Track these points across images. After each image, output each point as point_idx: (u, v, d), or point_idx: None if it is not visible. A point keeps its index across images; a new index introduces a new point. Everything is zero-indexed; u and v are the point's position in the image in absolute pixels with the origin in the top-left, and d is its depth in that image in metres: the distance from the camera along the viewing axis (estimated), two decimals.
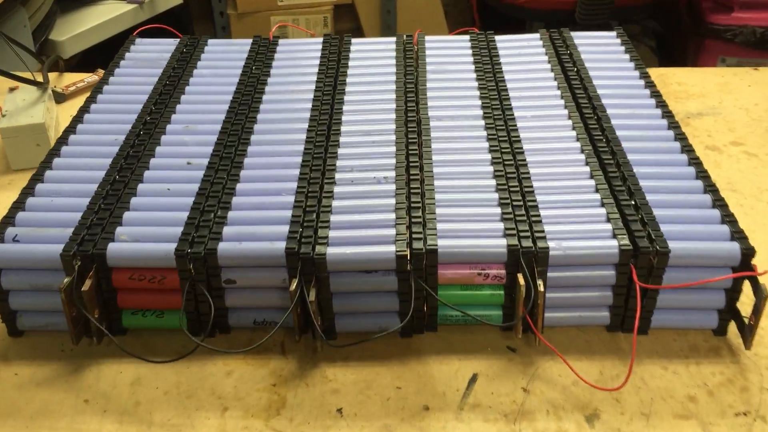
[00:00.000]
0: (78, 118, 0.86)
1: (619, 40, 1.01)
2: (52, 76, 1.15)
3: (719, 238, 0.67)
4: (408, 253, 0.66)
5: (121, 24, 2.02)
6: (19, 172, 0.95)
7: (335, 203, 0.72)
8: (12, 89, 0.98)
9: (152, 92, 0.91)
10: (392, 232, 0.68)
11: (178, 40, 1.03)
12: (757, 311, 0.64)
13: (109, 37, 1.99)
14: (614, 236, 0.67)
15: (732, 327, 0.70)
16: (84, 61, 2.01)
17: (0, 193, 0.91)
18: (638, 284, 0.64)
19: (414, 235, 0.67)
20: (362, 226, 0.69)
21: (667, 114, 0.85)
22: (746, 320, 0.66)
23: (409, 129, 0.83)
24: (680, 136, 0.81)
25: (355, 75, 0.94)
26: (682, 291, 0.68)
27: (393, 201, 0.72)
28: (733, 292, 0.67)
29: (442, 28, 2.38)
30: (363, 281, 0.67)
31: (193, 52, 1.00)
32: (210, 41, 1.03)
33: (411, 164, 0.77)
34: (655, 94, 0.88)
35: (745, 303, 0.68)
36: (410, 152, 0.79)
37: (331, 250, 0.66)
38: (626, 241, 0.66)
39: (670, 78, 1.14)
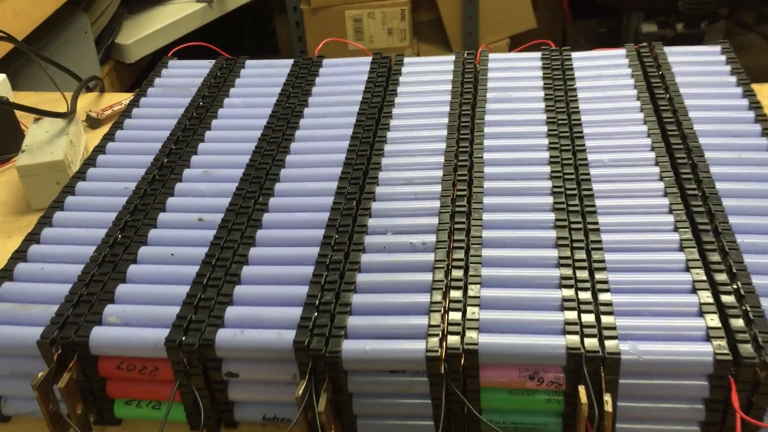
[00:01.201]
0: (93, 157, 0.78)
1: (724, 57, 0.83)
2: (89, 98, 1.08)
3: None
4: (442, 352, 0.53)
5: (190, 24, 1.96)
6: (39, 211, 0.87)
7: (360, 278, 0.60)
8: (37, 119, 0.91)
9: (176, 126, 0.81)
10: (424, 321, 0.55)
11: (214, 62, 0.93)
12: None
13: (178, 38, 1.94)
14: (708, 338, 0.52)
15: None
16: (154, 63, 1.96)
17: (17, 236, 0.83)
18: (739, 412, 0.49)
19: (451, 326, 0.54)
20: (390, 311, 0.57)
21: None
22: None
23: (458, 178, 0.69)
24: None
25: (402, 106, 0.81)
26: None
27: (430, 277, 0.59)
28: None
29: (529, 20, 2.20)
30: (388, 382, 0.55)
31: (228, 76, 0.90)
32: (248, 62, 0.93)
33: (456, 226, 0.64)
34: None
35: None
36: (457, 209, 0.66)
37: (348, 345, 0.54)
38: (724, 347, 0.51)
39: None
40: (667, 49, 0.85)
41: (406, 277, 0.60)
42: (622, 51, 0.87)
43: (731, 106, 0.76)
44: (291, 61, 0.92)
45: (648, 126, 0.74)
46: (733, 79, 0.80)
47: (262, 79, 0.89)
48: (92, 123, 1.01)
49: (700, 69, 0.82)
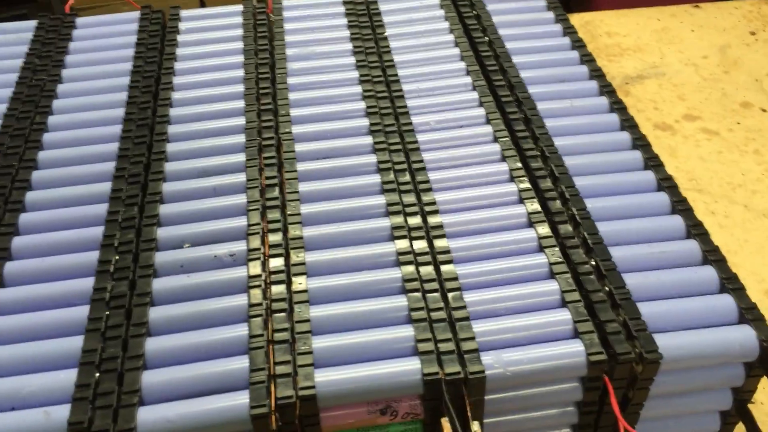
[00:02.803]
0: None
1: None
2: None
3: (722, 318, 0.46)
4: (270, 403, 0.42)
5: None
6: None
7: (153, 314, 0.46)
8: None
9: None
10: (244, 364, 0.43)
11: None
12: None
13: None
14: (576, 334, 0.45)
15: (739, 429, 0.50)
16: None
17: None
18: (617, 412, 0.43)
19: (278, 366, 0.43)
20: (196, 356, 0.45)
21: (606, 89, 0.63)
22: None
23: (265, 162, 0.57)
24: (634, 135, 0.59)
25: (185, 74, 0.66)
26: (676, 396, 0.47)
27: (245, 301, 0.47)
28: (743, 392, 0.47)
29: None
30: None
31: None
32: None
33: (270, 226, 0.52)
34: (591, 65, 0.65)
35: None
36: (268, 203, 0.53)
37: (145, 415, 0.41)
38: (596, 345, 0.44)
39: (597, 26, 0.91)
40: None
41: (213, 304, 0.47)
42: None
43: (554, 47, 0.69)
44: (33, 23, 0.72)
45: (472, 77, 0.65)
46: (551, 15, 0.73)
47: None
48: None
49: (516, 6, 0.74)
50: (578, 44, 0.69)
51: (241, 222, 0.52)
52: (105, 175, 0.56)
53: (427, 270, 0.49)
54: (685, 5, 0.95)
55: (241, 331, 0.45)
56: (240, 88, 0.64)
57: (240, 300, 0.47)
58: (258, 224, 0.52)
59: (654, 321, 0.46)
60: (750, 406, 0.52)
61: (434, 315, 0.46)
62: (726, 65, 0.84)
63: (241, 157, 0.57)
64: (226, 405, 0.41)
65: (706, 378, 0.46)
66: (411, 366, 0.43)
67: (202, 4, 1.81)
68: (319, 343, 0.44)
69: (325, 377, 0.43)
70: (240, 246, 0.50)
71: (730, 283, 0.47)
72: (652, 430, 0.49)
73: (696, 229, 0.51)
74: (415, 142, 0.58)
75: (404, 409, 0.44)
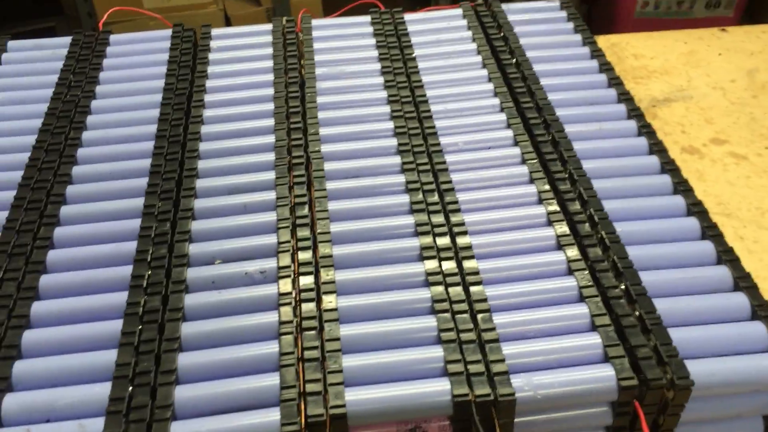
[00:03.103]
0: None
1: (564, 13, 0.77)
2: None
3: (754, 345, 0.46)
4: (301, 421, 0.42)
5: None
6: None
7: (186, 330, 0.47)
8: None
9: None
10: (275, 381, 0.44)
11: None
12: None
13: None
14: (606, 358, 0.45)
15: None
16: None
17: None
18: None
19: (308, 384, 0.43)
20: (228, 372, 0.45)
21: (635, 113, 0.63)
22: None
23: (295, 180, 0.57)
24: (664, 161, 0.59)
25: (216, 91, 0.67)
26: (706, 423, 0.47)
27: (275, 318, 0.47)
28: None
29: None
30: None
31: None
32: (10, 44, 0.74)
33: (300, 244, 0.52)
34: (620, 90, 0.65)
35: None
36: (298, 221, 0.54)
37: (178, 429, 0.42)
38: (627, 370, 0.44)
39: (623, 49, 0.91)
40: (505, 6, 0.77)
41: (244, 320, 0.47)
42: (458, 10, 0.78)
43: (582, 69, 0.69)
44: (68, 39, 0.74)
45: (500, 98, 0.65)
46: (578, 37, 0.73)
47: (30, 65, 0.71)
48: None
49: (543, 28, 0.74)
50: (606, 67, 0.69)
51: (271, 239, 0.53)
52: (138, 191, 0.57)
53: (456, 291, 0.49)
54: (713, 29, 0.95)
55: (271, 348, 0.45)
56: (270, 106, 0.65)
57: (271, 317, 0.47)
58: (288, 242, 0.52)
59: (685, 347, 0.45)
60: None
61: (464, 336, 0.46)
62: (754, 89, 0.84)
63: (271, 175, 0.58)
64: (257, 421, 0.42)
65: (736, 405, 0.46)
66: (441, 387, 0.43)
67: (228, 23, 1.83)
68: (349, 361, 0.45)
69: (355, 396, 0.43)
70: (270, 263, 0.51)
71: (761, 310, 0.47)
72: None
73: (727, 255, 0.51)
74: (444, 162, 0.59)
75: (433, 429, 0.44)
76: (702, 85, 0.85)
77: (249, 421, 0.42)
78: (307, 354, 0.45)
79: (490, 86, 0.67)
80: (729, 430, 0.47)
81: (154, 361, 0.45)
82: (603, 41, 0.91)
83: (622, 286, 0.49)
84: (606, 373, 0.44)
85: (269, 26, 0.75)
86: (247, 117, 0.64)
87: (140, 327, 0.47)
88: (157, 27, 0.77)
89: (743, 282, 0.49)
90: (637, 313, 0.47)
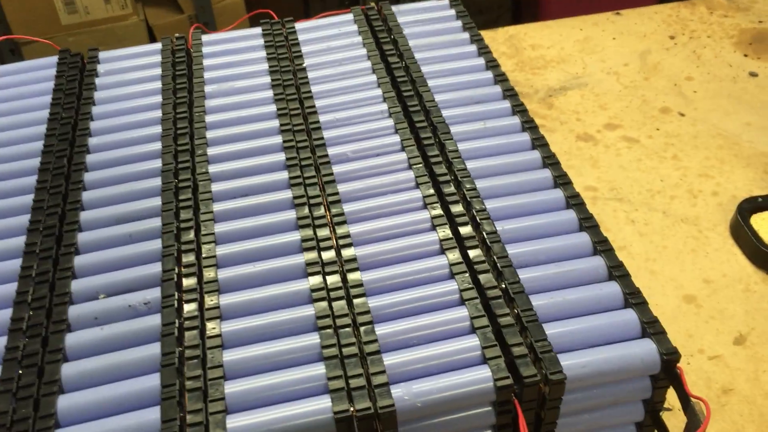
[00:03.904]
0: None
1: (453, 11, 0.78)
2: None
3: (626, 333, 0.48)
4: None
5: None
6: None
7: (66, 370, 0.46)
8: None
9: None
10: (155, 416, 0.44)
11: None
12: None
13: None
14: (485, 361, 0.46)
15: None
16: None
17: None
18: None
19: (190, 423, 0.43)
20: (113, 409, 0.45)
21: (519, 108, 0.64)
22: None
23: (181, 204, 0.57)
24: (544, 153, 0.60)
25: (103, 117, 0.66)
26: (588, 412, 0.48)
27: (157, 351, 0.47)
28: (654, 403, 0.49)
29: None
30: None
31: None
32: None
33: (185, 270, 0.52)
34: (507, 92, 0.66)
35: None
36: (183, 246, 0.54)
37: None
38: (502, 370, 0.45)
39: (521, 40, 0.93)
40: (395, 8, 0.78)
41: (125, 356, 0.47)
42: (349, 15, 0.78)
43: (468, 68, 0.70)
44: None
45: (388, 104, 0.66)
46: (466, 35, 0.74)
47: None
48: None
49: (431, 29, 0.75)
50: (492, 64, 0.70)
51: (155, 269, 0.52)
52: (19, 230, 0.56)
53: (340, 305, 0.49)
54: (607, 13, 0.97)
55: (153, 382, 0.45)
56: (158, 129, 0.64)
57: (153, 350, 0.47)
58: (172, 269, 0.52)
59: (560, 341, 0.47)
60: (668, 413, 0.54)
61: (345, 351, 0.46)
62: (646, 71, 0.86)
63: (157, 201, 0.57)
64: None
65: (614, 393, 0.47)
66: (322, 405, 0.44)
67: (150, 33, 1.80)
68: (231, 388, 0.45)
69: (236, 423, 0.43)
70: (155, 293, 0.51)
71: (633, 299, 0.49)
72: None
73: (601, 245, 0.52)
74: (331, 174, 0.59)
75: None
76: (597, 71, 0.87)
77: None
78: (189, 384, 0.45)
79: (379, 92, 0.67)
80: (611, 416, 0.49)
81: (33, 406, 0.44)
82: (501, 33, 0.93)
83: (503, 286, 0.50)
84: (483, 374, 0.45)
85: (158, 45, 0.75)
86: (134, 142, 0.63)
87: (20, 371, 0.46)
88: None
89: (616, 271, 0.50)
90: (515, 311, 0.48)
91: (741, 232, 0.65)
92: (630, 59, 0.88)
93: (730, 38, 0.88)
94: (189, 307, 0.50)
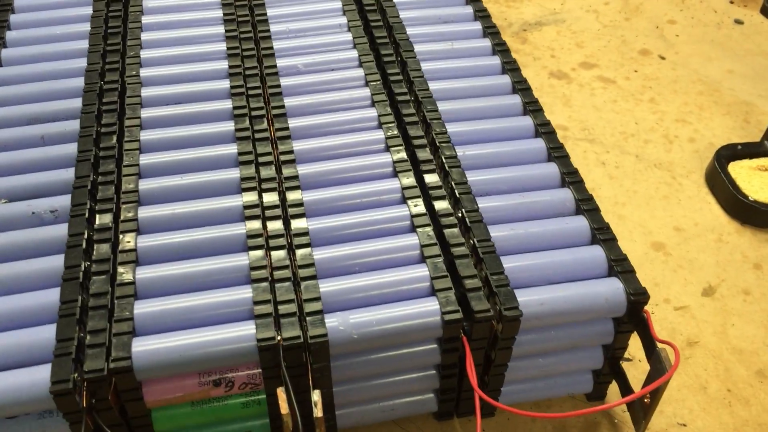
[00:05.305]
0: None
1: None
2: None
3: (591, 270, 0.43)
4: (74, 382, 0.36)
5: None
6: None
7: None
8: None
9: None
10: (50, 334, 0.38)
11: None
12: (653, 386, 0.41)
13: None
14: (433, 292, 0.41)
15: (612, 388, 0.47)
16: None
17: None
18: (471, 374, 0.39)
19: (91, 336, 0.38)
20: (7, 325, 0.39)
21: (491, 31, 0.59)
22: (644, 399, 0.43)
23: (105, 106, 0.51)
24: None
25: (24, 11, 0.59)
26: (542, 356, 0.44)
27: (60, 263, 0.41)
28: (615, 349, 0.44)
29: None
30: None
31: None
32: None
33: (101, 178, 0.46)
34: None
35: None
36: (102, 152, 0.47)
37: None
38: (452, 302, 0.40)
39: None
40: None
41: (25, 266, 0.41)
42: None
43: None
44: None
45: (348, 17, 0.60)
46: None
47: None
48: None
49: None
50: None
51: (67, 174, 0.46)
52: None
53: (276, 225, 0.44)
54: None
55: (51, 297, 0.39)
56: (86, 27, 0.57)
57: (55, 262, 0.41)
58: (87, 176, 0.45)
59: (519, 276, 0.42)
60: (628, 363, 0.49)
61: (277, 274, 0.41)
62: (627, 12, 0.81)
63: (77, 103, 0.51)
64: (22, 381, 0.36)
65: (573, 335, 0.43)
66: (244, 331, 0.38)
67: None
68: (141, 308, 0.39)
69: (142, 347, 0.37)
70: (63, 201, 0.44)
71: (601, 234, 0.44)
72: (520, 393, 0.45)
73: (571, 177, 0.47)
74: (278, 86, 0.53)
75: (241, 379, 0.39)
76: (575, 8, 0.82)
77: (14, 380, 0.36)
78: (93, 302, 0.39)
79: (339, 4, 0.61)
80: (568, 362, 0.44)
81: None
82: None
83: (459, 214, 0.45)
84: (430, 307, 0.40)
85: None
86: (57, 39, 0.56)
87: None
88: None
89: (585, 205, 0.45)
90: (471, 242, 0.43)
91: (717, 179, 0.61)
92: None
93: None
94: (103, 219, 0.43)
